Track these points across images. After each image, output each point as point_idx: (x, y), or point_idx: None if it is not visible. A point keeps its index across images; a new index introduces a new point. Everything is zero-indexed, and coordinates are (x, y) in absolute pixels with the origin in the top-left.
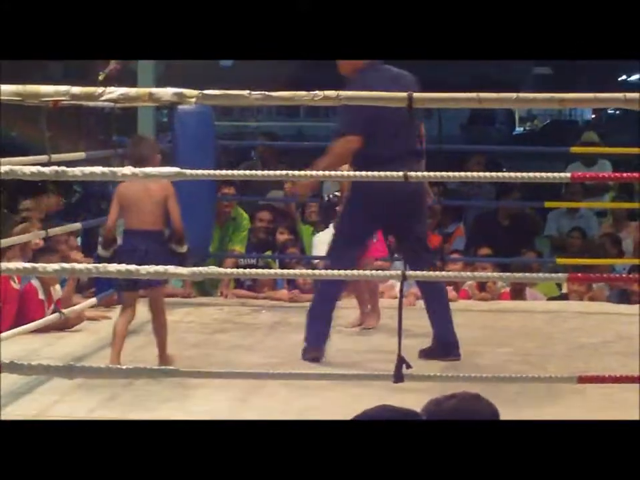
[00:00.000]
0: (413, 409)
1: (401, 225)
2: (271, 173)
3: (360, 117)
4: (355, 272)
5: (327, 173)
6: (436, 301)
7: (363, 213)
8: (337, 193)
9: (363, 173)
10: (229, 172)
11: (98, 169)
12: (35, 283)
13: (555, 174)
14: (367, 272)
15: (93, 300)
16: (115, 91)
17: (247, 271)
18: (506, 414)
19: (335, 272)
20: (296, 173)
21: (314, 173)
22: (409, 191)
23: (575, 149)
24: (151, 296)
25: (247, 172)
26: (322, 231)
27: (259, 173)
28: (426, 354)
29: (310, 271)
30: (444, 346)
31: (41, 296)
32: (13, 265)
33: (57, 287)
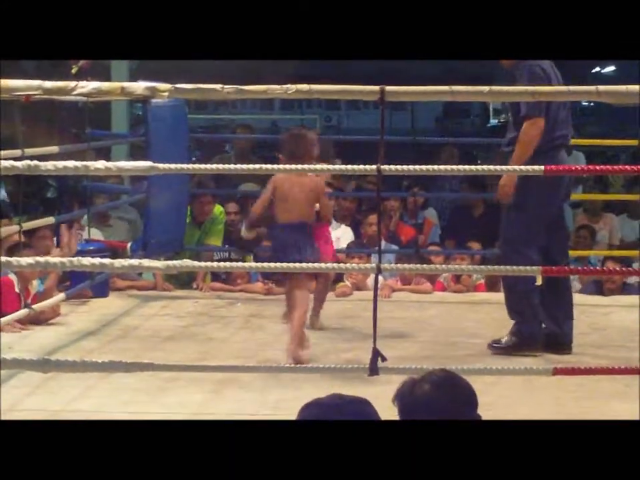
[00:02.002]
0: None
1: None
2: (244, 166)
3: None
4: (330, 265)
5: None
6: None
7: (546, 203)
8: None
9: (337, 167)
10: (202, 166)
11: (71, 163)
12: (12, 276)
13: (529, 167)
14: (342, 265)
15: (62, 295)
16: (87, 85)
17: (222, 264)
18: (481, 403)
19: (314, 265)
20: (269, 166)
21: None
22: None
23: None
24: (288, 287)
25: (220, 166)
26: None
27: (232, 166)
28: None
29: (285, 264)
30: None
31: (17, 289)
32: None
33: (35, 282)
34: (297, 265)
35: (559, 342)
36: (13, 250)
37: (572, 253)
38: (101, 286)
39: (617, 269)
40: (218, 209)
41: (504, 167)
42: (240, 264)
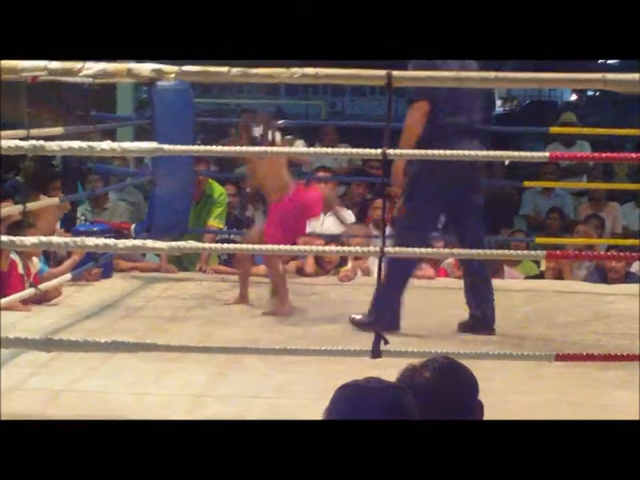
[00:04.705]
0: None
1: (461, 200)
2: (249, 149)
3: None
4: (334, 248)
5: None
6: (476, 276)
7: (431, 190)
8: None
9: (342, 150)
10: (207, 147)
11: (76, 144)
12: (14, 256)
13: (533, 153)
14: (346, 248)
15: (68, 275)
16: (94, 67)
17: (225, 245)
18: (482, 390)
19: (319, 249)
20: (274, 149)
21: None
22: (470, 167)
23: (554, 129)
24: None
25: (225, 148)
26: None
27: (237, 149)
28: (463, 328)
29: (287, 247)
30: (480, 320)
31: (21, 270)
32: None
33: (35, 259)
34: (295, 247)
35: (483, 325)
36: (13, 229)
37: (580, 242)
38: (104, 267)
39: (619, 254)
40: (219, 189)
41: (505, 153)
42: (243, 246)
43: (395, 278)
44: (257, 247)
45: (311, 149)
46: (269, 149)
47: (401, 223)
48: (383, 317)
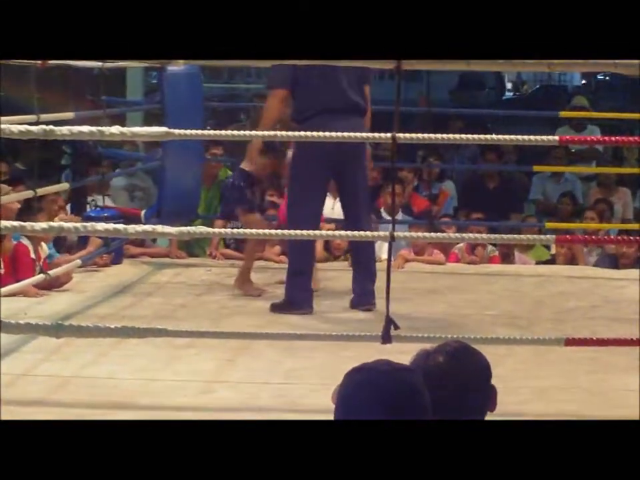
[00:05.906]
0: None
1: (346, 176)
2: (259, 133)
3: (284, 71)
4: (344, 233)
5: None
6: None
7: (314, 165)
8: None
9: (351, 134)
10: (217, 132)
11: (86, 128)
12: (25, 241)
13: (544, 137)
14: (355, 232)
15: (78, 261)
16: None
17: (235, 230)
18: (494, 375)
19: (327, 233)
20: (284, 133)
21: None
22: (351, 145)
23: (564, 113)
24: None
25: (234, 132)
26: None
27: (246, 133)
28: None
29: (298, 232)
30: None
31: (32, 255)
32: (3, 223)
33: (44, 244)
34: (310, 232)
35: (363, 302)
36: (22, 215)
37: (591, 227)
38: (115, 253)
39: (629, 238)
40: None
41: (517, 137)
42: (254, 231)
43: (297, 259)
44: (265, 231)
45: (320, 133)
46: (283, 133)
47: (288, 202)
48: (295, 298)
